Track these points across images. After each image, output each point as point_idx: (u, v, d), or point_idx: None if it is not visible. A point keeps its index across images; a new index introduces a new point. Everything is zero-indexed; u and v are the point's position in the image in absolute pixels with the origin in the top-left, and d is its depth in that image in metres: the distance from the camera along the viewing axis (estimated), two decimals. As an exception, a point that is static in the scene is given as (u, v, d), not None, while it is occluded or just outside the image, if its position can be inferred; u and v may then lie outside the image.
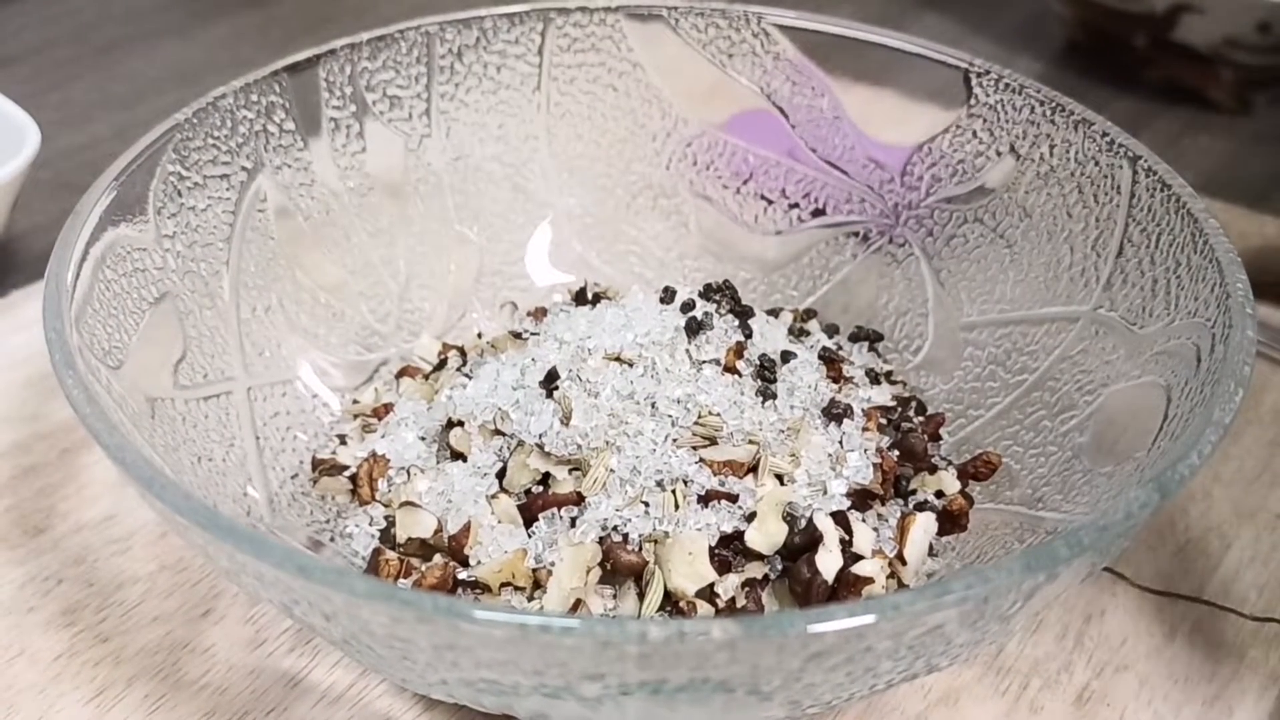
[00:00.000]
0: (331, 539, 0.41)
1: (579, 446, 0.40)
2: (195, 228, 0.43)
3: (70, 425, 0.48)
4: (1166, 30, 0.76)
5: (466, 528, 0.39)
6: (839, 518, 0.39)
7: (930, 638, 0.29)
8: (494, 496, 0.40)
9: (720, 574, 0.38)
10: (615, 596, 0.38)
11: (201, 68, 0.79)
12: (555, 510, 0.39)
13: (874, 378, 0.47)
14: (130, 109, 0.75)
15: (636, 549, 0.38)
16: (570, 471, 0.40)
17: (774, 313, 0.49)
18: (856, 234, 0.51)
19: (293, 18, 0.88)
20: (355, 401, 0.47)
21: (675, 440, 0.40)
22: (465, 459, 0.41)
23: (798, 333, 0.47)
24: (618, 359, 0.41)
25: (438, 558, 0.39)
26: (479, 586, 0.38)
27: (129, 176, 0.40)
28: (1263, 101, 0.79)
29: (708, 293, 0.45)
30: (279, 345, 0.45)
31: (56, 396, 0.49)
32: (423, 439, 0.43)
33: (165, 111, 0.44)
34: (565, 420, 0.40)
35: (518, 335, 0.48)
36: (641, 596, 0.38)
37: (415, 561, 0.39)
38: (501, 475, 0.41)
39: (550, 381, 0.41)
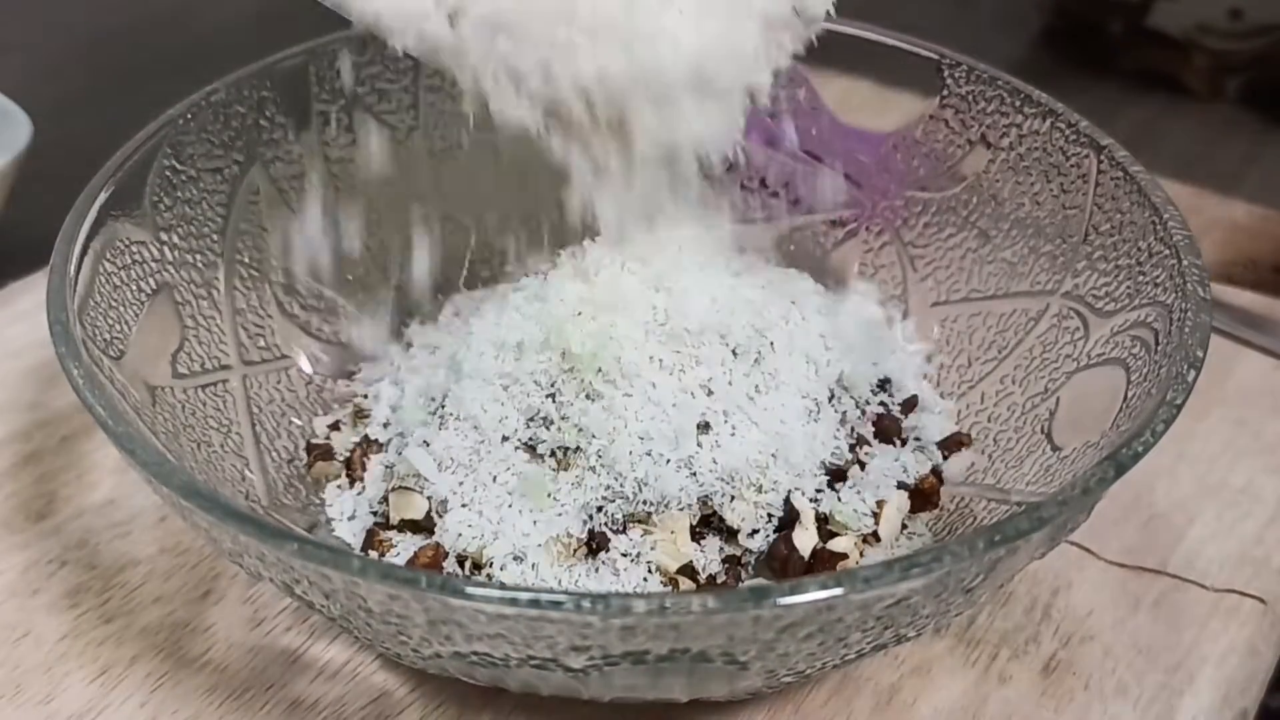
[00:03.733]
0: (326, 521, 0.43)
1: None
2: (190, 220, 0.44)
3: (69, 412, 0.49)
4: (1141, 17, 0.78)
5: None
6: (815, 497, 0.40)
7: (897, 609, 0.30)
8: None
9: (701, 552, 0.39)
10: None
11: (194, 61, 0.79)
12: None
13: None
14: (122, 102, 0.75)
15: (621, 528, 0.39)
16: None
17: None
18: (834, 222, 0.53)
19: (289, 14, 0.88)
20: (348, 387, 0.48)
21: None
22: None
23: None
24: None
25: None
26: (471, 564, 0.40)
27: (126, 171, 0.41)
28: (1234, 87, 0.80)
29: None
30: (273, 334, 0.47)
31: (55, 385, 0.50)
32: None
33: (157, 105, 0.44)
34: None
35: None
36: (626, 572, 0.39)
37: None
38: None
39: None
